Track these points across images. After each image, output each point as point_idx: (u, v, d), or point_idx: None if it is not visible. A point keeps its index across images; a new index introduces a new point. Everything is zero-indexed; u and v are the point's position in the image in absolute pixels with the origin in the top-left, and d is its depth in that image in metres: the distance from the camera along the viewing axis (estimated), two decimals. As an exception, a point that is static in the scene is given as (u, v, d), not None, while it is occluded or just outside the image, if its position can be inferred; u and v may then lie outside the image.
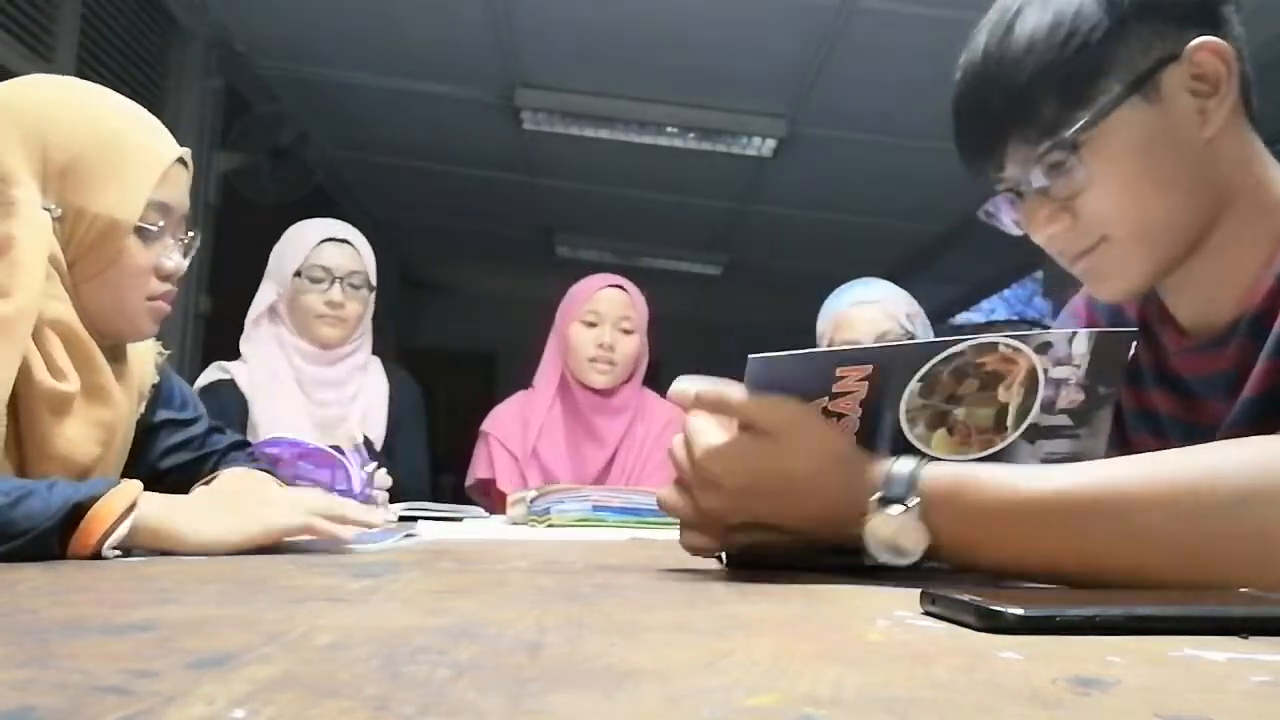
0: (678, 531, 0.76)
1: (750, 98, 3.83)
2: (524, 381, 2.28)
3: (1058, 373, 0.71)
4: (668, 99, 3.89)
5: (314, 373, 1.88)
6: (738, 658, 0.38)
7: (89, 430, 0.97)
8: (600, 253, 5.88)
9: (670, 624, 0.47)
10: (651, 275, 5.56)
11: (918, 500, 0.64)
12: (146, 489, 0.83)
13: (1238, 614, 0.46)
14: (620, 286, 2.16)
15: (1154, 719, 0.29)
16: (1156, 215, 0.78)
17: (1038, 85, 0.76)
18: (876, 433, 0.70)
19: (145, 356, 1.15)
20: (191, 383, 1.71)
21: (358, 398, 1.92)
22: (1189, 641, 0.42)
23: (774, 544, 0.72)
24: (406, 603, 0.53)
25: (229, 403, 1.77)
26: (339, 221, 1.97)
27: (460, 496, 2.03)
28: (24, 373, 0.89)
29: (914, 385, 0.69)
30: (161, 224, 1.00)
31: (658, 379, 2.28)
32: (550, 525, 1.45)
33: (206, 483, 1.02)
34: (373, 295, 1.94)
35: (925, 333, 1.95)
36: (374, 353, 2.01)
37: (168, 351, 1.21)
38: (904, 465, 0.66)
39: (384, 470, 1.53)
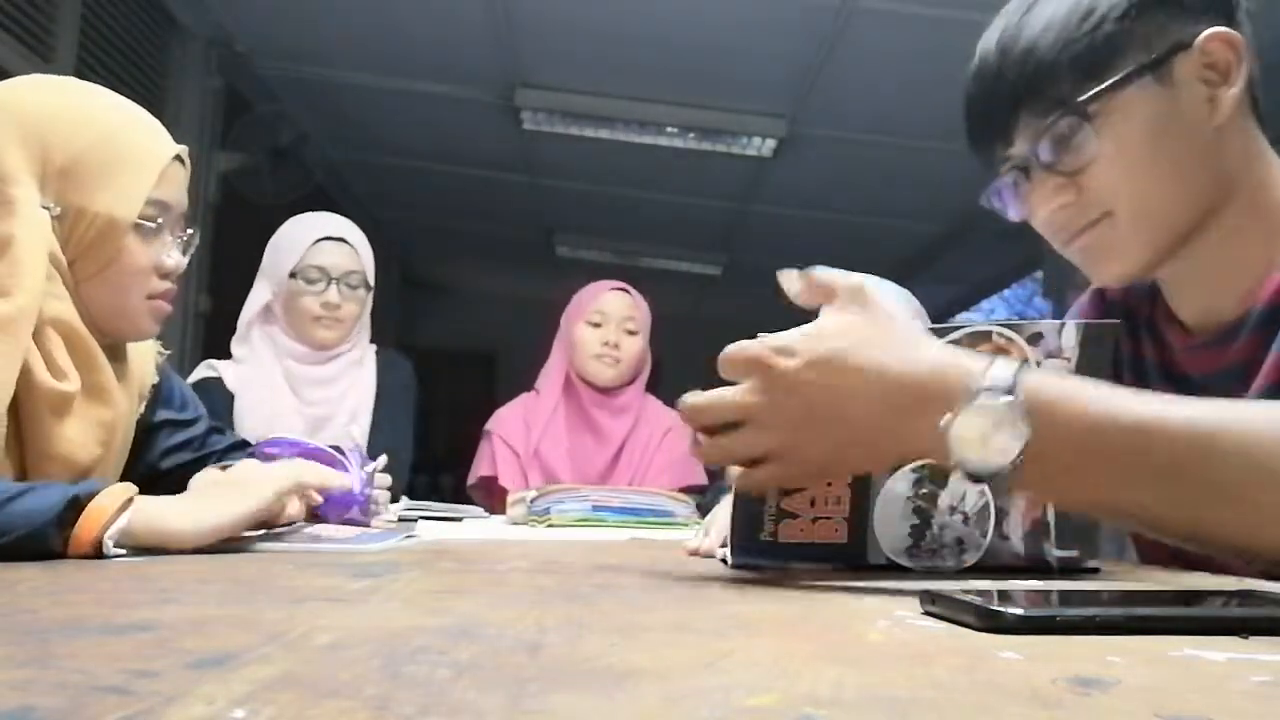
0: (678, 532, 0.76)
1: (750, 98, 3.83)
2: (524, 381, 2.29)
3: (1049, 364, 0.72)
4: (668, 99, 3.89)
5: (305, 372, 1.86)
6: (738, 658, 0.38)
7: (89, 430, 0.97)
8: (600, 253, 5.88)
9: (670, 624, 0.47)
10: (651, 275, 5.57)
11: (1020, 398, 0.57)
12: (147, 489, 0.83)
13: (1238, 614, 0.46)
14: (625, 290, 2.21)
15: (1154, 719, 0.29)
16: (1160, 195, 0.79)
17: (1053, 58, 0.78)
18: None
19: (146, 356, 1.15)
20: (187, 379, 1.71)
21: (347, 395, 1.89)
22: (1189, 641, 0.42)
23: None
24: (406, 603, 0.53)
25: (216, 401, 1.75)
26: (335, 217, 1.92)
27: (460, 496, 2.03)
28: (24, 372, 0.89)
29: None
30: (160, 221, 1.00)
31: (658, 379, 2.29)
32: (550, 525, 1.45)
33: None
34: (370, 295, 1.91)
35: None
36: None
37: (168, 351, 1.21)
38: (1005, 366, 0.59)
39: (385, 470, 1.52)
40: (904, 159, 4.16)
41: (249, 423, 1.75)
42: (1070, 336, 0.72)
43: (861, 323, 0.63)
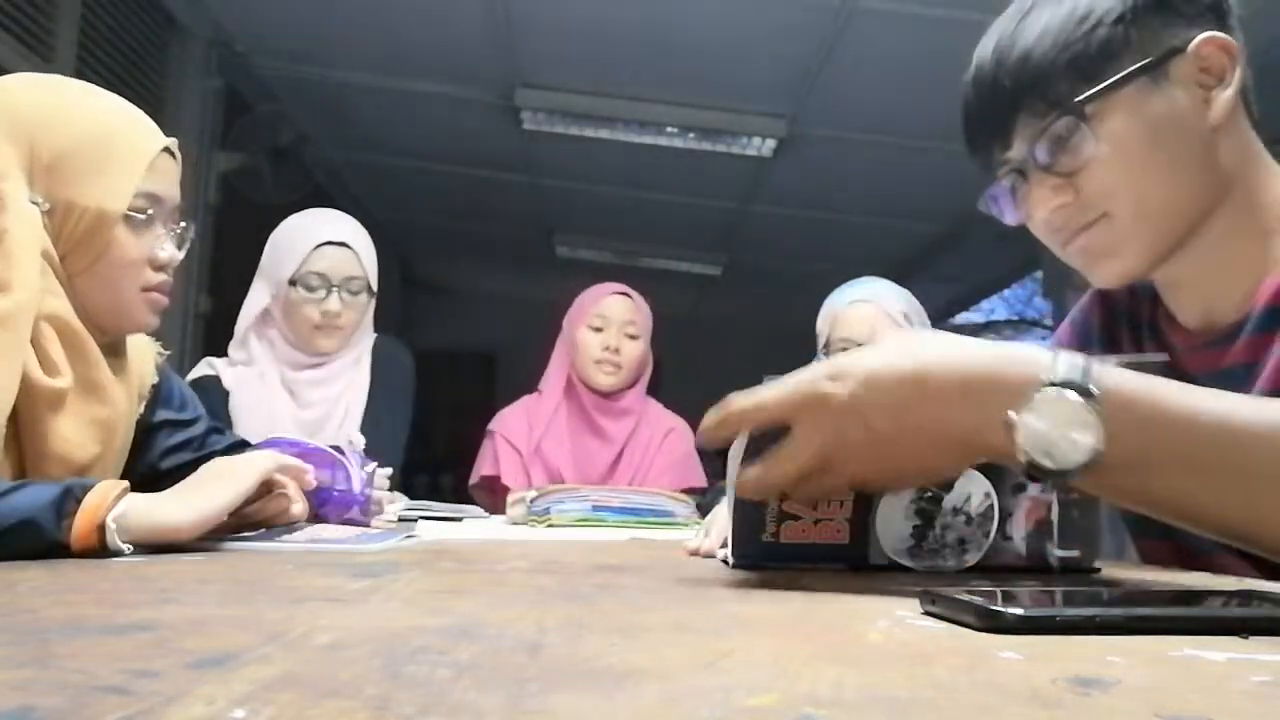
0: (678, 532, 0.76)
1: (750, 98, 3.84)
2: (524, 381, 2.30)
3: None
4: (668, 99, 3.89)
5: (302, 375, 1.83)
6: (738, 658, 0.38)
7: (86, 428, 0.97)
8: (600, 253, 5.88)
9: (670, 624, 0.47)
10: (651, 275, 5.57)
11: (1097, 394, 0.55)
12: (146, 489, 0.83)
13: (1238, 614, 0.46)
14: (626, 294, 2.22)
15: (1154, 719, 0.29)
16: (1157, 196, 0.80)
17: (1050, 61, 0.79)
18: None
19: (145, 356, 1.15)
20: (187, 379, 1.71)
21: (344, 395, 1.86)
22: (1189, 641, 0.42)
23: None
24: (406, 603, 0.53)
25: (213, 399, 1.74)
26: (337, 218, 1.87)
27: (461, 496, 2.03)
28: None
29: None
30: (151, 213, 1.01)
31: (659, 379, 2.30)
32: (550, 525, 1.45)
33: None
34: (373, 299, 1.86)
35: None
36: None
37: (167, 352, 1.21)
38: (1073, 357, 0.57)
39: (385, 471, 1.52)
40: (904, 159, 4.16)
41: (244, 424, 1.74)
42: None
43: (892, 343, 0.63)
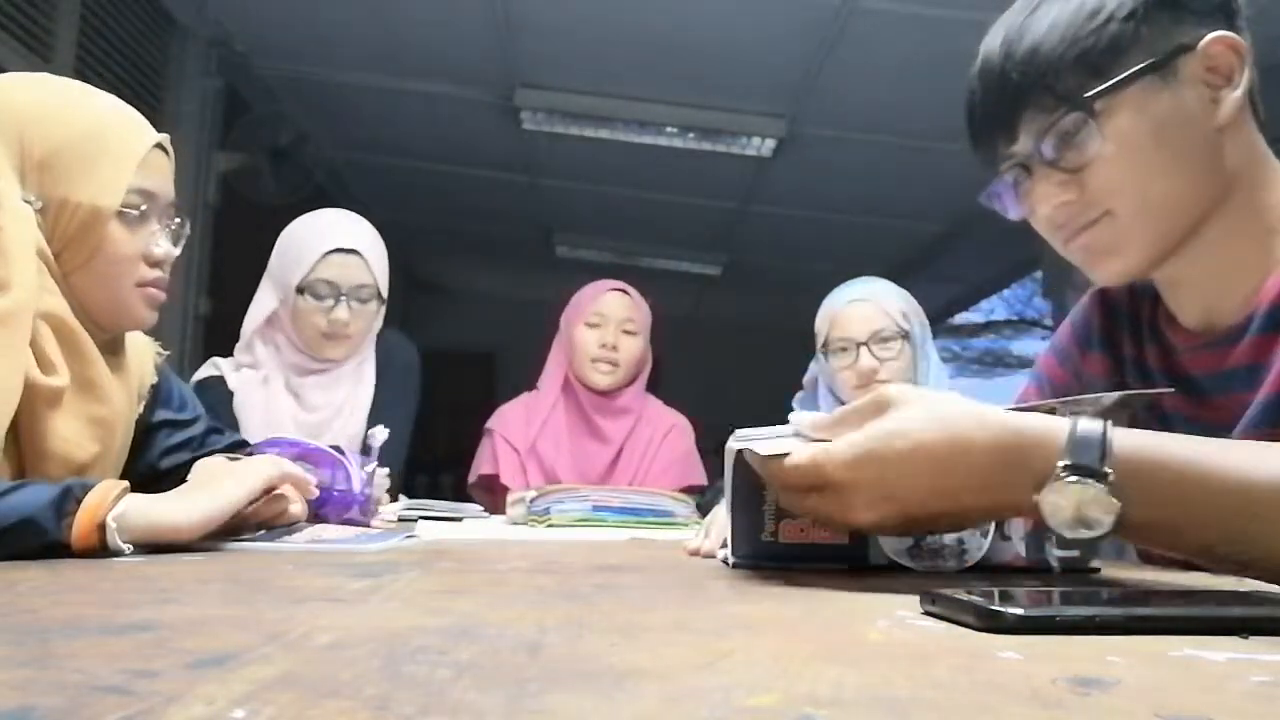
0: (678, 532, 0.76)
1: (750, 98, 3.83)
2: (524, 381, 2.30)
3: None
4: (668, 99, 3.89)
5: (307, 380, 1.82)
6: (738, 658, 0.38)
7: (83, 427, 0.97)
8: (600, 253, 5.88)
9: (670, 624, 0.47)
10: (651, 275, 5.57)
11: (1111, 475, 0.58)
12: (146, 489, 0.83)
13: (1238, 614, 0.46)
14: (624, 290, 2.20)
15: (1154, 719, 0.29)
16: (1161, 194, 0.79)
17: (1059, 55, 0.78)
18: None
19: (144, 357, 1.15)
20: (188, 381, 1.71)
21: (348, 399, 1.85)
22: (1189, 641, 0.42)
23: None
24: (406, 603, 0.53)
25: (218, 399, 1.73)
26: (347, 221, 1.83)
27: (460, 496, 2.03)
28: None
29: None
30: (144, 209, 1.01)
31: (658, 379, 2.29)
32: (550, 525, 1.45)
33: None
34: (383, 305, 1.83)
35: (922, 331, 1.96)
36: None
37: (166, 352, 1.21)
38: (1090, 426, 0.60)
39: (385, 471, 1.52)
40: (904, 159, 4.16)
41: (247, 425, 1.74)
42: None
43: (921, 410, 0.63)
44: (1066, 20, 0.79)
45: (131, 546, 0.76)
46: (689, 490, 1.99)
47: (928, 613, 0.50)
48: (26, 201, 0.93)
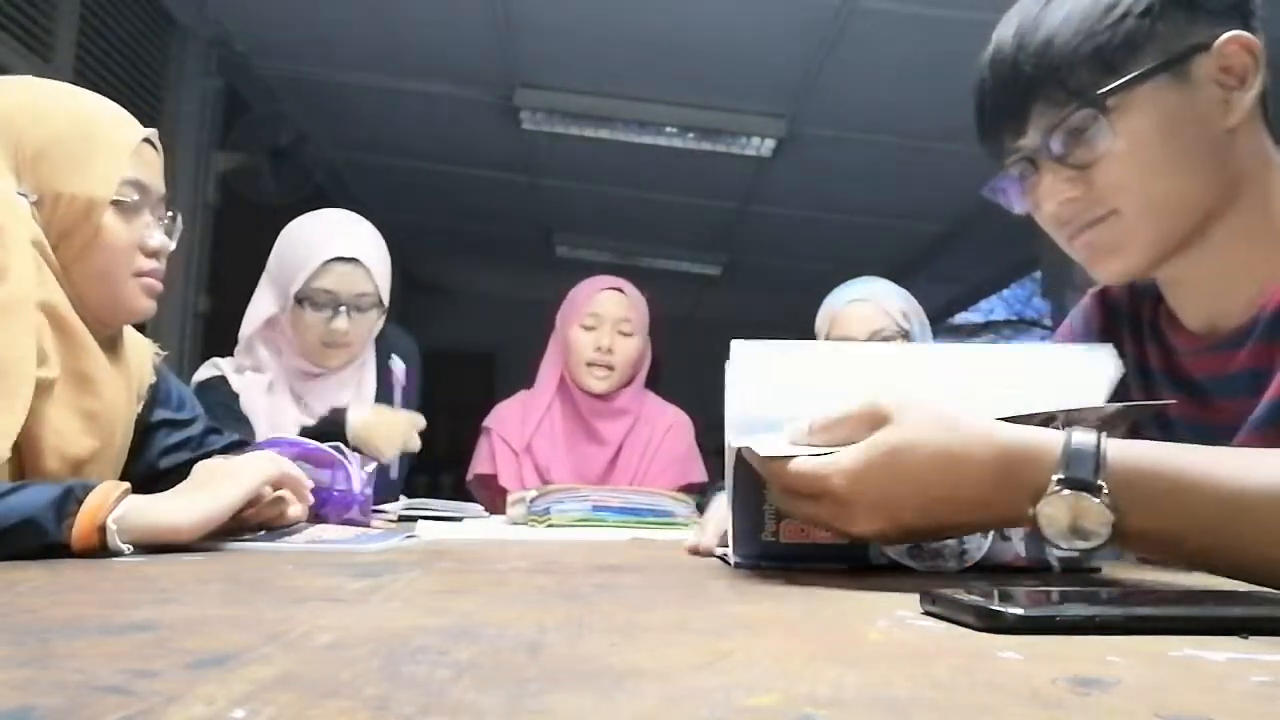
0: (678, 532, 0.76)
1: (750, 98, 3.83)
2: (524, 381, 2.29)
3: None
4: (668, 99, 3.89)
5: (309, 385, 1.81)
6: (738, 658, 0.38)
7: (76, 421, 0.97)
8: (600, 253, 5.88)
9: (670, 624, 0.47)
10: (651, 275, 5.56)
11: (1105, 488, 0.59)
12: (145, 489, 0.83)
13: (1238, 614, 0.46)
14: (619, 289, 2.17)
15: (1154, 719, 0.29)
16: (1167, 193, 0.79)
17: (1073, 49, 0.78)
18: None
19: (143, 356, 1.15)
20: (188, 380, 1.70)
21: (349, 403, 1.81)
22: (1189, 641, 0.42)
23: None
24: (406, 603, 0.53)
25: (222, 399, 1.73)
26: (348, 222, 1.80)
27: (460, 495, 2.03)
28: None
29: None
30: (138, 198, 1.02)
31: (658, 378, 2.29)
32: (550, 525, 1.45)
33: None
34: (384, 312, 1.82)
35: (922, 331, 1.96)
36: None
37: (165, 352, 1.21)
38: (1084, 439, 0.60)
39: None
40: (904, 159, 4.15)
41: (253, 429, 1.74)
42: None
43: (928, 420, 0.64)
44: (1082, 14, 0.78)
45: (131, 547, 0.76)
46: (689, 488, 1.99)
47: (928, 613, 0.50)
48: (22, 195, 0.94)
